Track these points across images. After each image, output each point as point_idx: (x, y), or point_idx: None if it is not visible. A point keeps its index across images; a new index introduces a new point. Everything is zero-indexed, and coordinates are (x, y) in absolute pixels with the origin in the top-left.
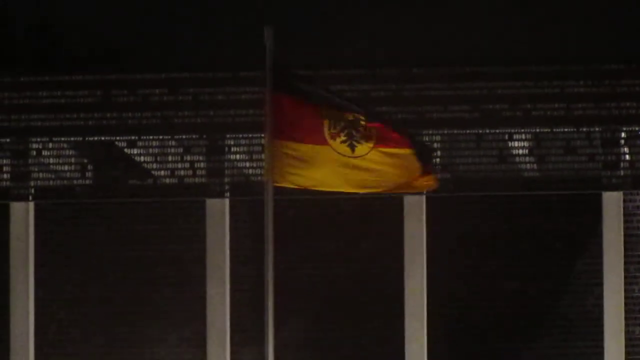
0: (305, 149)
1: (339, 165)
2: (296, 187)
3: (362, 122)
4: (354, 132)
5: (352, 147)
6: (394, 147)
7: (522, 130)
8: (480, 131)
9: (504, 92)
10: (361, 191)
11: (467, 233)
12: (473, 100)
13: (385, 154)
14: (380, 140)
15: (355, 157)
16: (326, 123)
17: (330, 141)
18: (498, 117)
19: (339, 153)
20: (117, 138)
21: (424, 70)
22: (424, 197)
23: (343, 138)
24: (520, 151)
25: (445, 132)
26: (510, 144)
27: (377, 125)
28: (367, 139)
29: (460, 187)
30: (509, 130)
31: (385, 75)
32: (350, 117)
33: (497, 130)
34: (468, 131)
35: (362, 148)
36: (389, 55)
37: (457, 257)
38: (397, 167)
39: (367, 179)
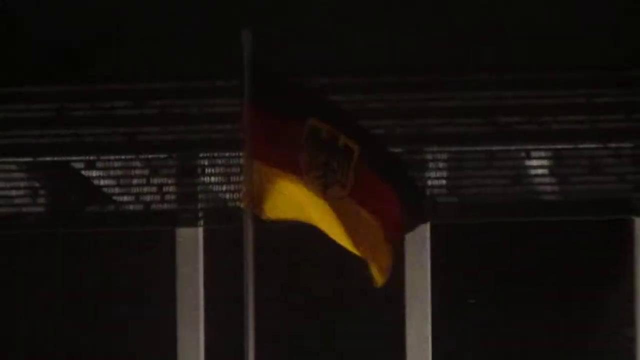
0: (281, 177)
1: (312, 202)
2: (274, 219)
3: (347, 145)
4: (333, 167)
5: (325, 186)
6: (367, 209)
7: (541, 147)
8: (492, 148)
9: (519, 102)
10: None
11: (477, 266)
12: (483, 112)
13: (354, 211)
14: (356, 192)
15: (326, 198)
16: (305, 153)
17: (305, 175)
18: (513, 132)
19: (309, 189)
20: (74, 158)
21: (427, 77)
22: (427, 225)
23: (318, 173)
24: (539, 171)
25: (452, 149)
26: (526, 163)
27: (360, 161)
28: (343, 184)
29: (469, 213)
30: (526, 147)
31: (382, 84)
32: (339, 141)
33: (512, 147)
34: (478, 148)
35: (335, 191)
36: (387, 60)
37: (465, 294)
38: (362, 231)
39: (334, 228)
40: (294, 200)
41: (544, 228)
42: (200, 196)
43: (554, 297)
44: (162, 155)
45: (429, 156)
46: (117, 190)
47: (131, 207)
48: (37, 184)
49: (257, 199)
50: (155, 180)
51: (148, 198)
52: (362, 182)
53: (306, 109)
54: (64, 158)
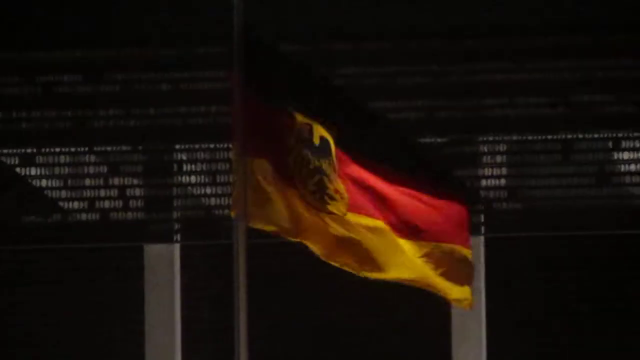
0: (277, 178)
1: (314, 222)
2: (272, 232)
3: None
4: (325, 179)
5: (324, 201)
6: (366, 214)
7: (635, 135)
8: (568, 136)
9: (605, 75)
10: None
11: (544, 290)
12: (556, 89)
13: (361, 225)
14: (353, 204)
15: (331, 215)
16: (294, 159)
17: (298, 184)
18: (596, 115)
19: (308, 204)
20: (5, 151)
21: (477, 42)
22: (481, 239)
23: (313, 188)
24: (632, 167)
25: (513, 138)
26: (615, 156)
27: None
28: (340, 196)
29: (537, 224)
30: (614, 135)
31: (416, 51)
32: (314, 134)
33: (595, 135)
34: (549, 137)
35: (337, 206)
36: (421, 20)
37: (529, 327)
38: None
39: (345, 255)
40: (291, 211)
41: (635, 241)
42: (175, 202)
43: None
44: (124, 147)
45: (482, 148)
46: (63, 194)
47: (83, 216)
48: None
49: (252, 205)
50: (116, 181)
51: (106, 205)
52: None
53: (293, 92)
54: None
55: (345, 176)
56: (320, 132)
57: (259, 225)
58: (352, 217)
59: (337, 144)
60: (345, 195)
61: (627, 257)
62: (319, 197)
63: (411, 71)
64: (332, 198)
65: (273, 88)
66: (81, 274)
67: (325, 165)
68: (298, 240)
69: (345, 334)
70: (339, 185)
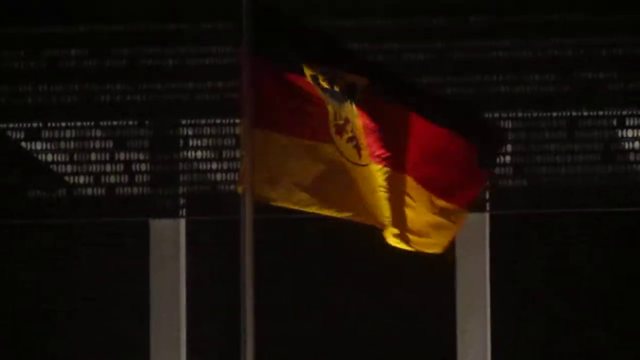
0: (296, 146)
1: (346, 177)
2: (282, 205)
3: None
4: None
5: (359, 150)
6: (380, 160)
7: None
8: (574, 113)
9: (610, 52)
10: (371, 223)
11: (549, 267)
12: (561, 66)
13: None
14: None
15: (363, 166)
16: (330, 109)
17: (336, 137)
18: (601, 92)
19: (345, 157)
20: (11, 125)
21: (484, 19)
22: (487, 215)
23: (350, 134)
24: (637, 144)
25: (519, 114)
26: (620, 134)
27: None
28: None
29: (543, 201)
30: (619, 112)
31: (425, 28)
32: (335, 84)
33: (601, 112)
34: (555, 114)
35: (366, 156)
36: None
37: (534, 304)
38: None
39: (380, 204)
40: (313, 176)
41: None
42: (181, 178)
43: None
44: (130, 122)
45: (490, 125)
46: (69, 168)
47: (89, 190)
48: None
49: (262, 180)
50: (122, 156)
51: (112, 180)
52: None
53: (307, 53)
54: None
55: (365, 125)
56: (343, 80)
57: (268, 199)
58: (374, 168)
59: (359, 91)
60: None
61: (633, 234)
62: (355, 144)
63: (415, 48)
64: (362, 148)
65: (285, 50)
66: (86, 249)
67: (350, 115)
68: (314, 210)
69: (352, 313)
70: (361, 135)
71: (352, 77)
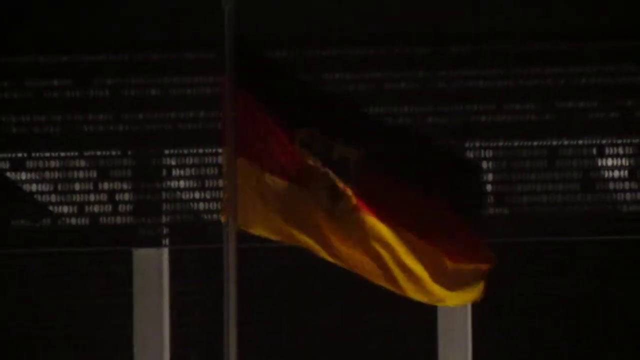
0: (275, 182)
1: (320, 221)
2: (266, 236)
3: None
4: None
5: (334, 198)
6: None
7: (619, 142)
8: (554, 143)
9: (590, 81)
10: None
11: (534, 300)
12: (542, 95)
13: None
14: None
15: (339, 212)
16: (300, 159)
17: (312, 182)
18: (582, 121)
19: (317, 202)
20: None
21: (465, 48)
22: None
23: (324, 184)
24: (616, 173)
25: (500, 144)
26: (599, 163)
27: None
28: (348, 196)
29: (525, 230)
30: (598, 141)
31: (406, 57)
32: (334, 151)
33: (581, 141)
34: (535, 143)
35: (346, 202)
36: (411, 27)
37: (520, 343)
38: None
39: (355, 255)
40: (290, 212)
41: (622, 248)
42: (165, 207)
43: (634, 343)
44: (113, 152)
45: (471, 153)
46: (53, 198)
47: (72, 220)
48: None
49: (242, 209)
50: (106, 185)
51: (95, 209)
52: (387, 194)
53: (295, 106)
54: None
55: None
56: (340, 151)
57: (250, 229)
58: (360, 216)
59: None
60: (353, 196)
61: (612, 262)
62: (330, 194)
63: (397, 77)
64: (339, 197)
65: (266, 91)
66: (70, 278)
67: (342, 190)
68: (292, 243)
69: (335, 338)
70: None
71: (343, 149)
